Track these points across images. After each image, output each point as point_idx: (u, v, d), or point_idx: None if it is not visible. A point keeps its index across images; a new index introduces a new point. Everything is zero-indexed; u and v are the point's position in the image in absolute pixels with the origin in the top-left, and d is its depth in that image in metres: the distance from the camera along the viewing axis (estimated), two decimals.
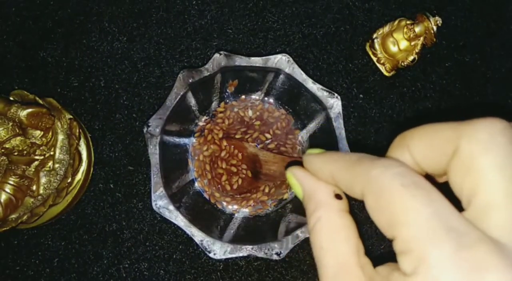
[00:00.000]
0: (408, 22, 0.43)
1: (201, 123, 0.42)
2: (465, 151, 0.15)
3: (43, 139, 0.38)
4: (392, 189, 0.15)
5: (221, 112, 0.42)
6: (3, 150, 0.36)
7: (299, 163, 0.21)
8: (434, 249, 0.13)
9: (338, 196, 0.18)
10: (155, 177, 0.35)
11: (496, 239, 0.13)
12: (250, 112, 0.42)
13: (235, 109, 0.42)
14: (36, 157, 0.39)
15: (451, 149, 0.15)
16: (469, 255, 0.13)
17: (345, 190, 0.18)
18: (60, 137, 0.40)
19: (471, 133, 0.15)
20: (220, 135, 0.41)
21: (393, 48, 0.43)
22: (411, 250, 0.14)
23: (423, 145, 0.16)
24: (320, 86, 0.37)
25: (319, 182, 0.19)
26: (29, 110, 0.37)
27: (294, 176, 0.20)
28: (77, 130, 0.40)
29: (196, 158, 0.41)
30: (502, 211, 0.14)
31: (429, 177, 0.17)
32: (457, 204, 0.15)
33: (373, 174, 0.16)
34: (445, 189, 0.16)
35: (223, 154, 0.40)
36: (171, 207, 0.34)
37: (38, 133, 0.38)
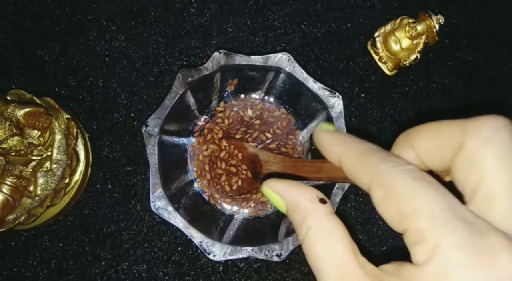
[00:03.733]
0: (410, 20, 0.43)
1: (200, 123, 0.41)
2: (470, 146, 0.15)
3: (41, 139, 0.38)
4: (404, 182, 0.15)
5: (220, 111, 0.41)
6: (0, 150, 0.36)
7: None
8: (448, 237, 0.14)
9: (322, 200, 0.18)
10: (154, 178, 0.34)
11: (501, 229, 0.14)
12: (249, 112, 0.41)
13: (235, 109, 0.41)
14: (34, 157, 0.38)
15: (455, 145, 0.16)
16: (481, 241, 0.14)
17: (349, 175, 0.18)
18: (58, 137, 0.39)
19: (475, 129, 0.15)
20: (220, 135, 0.40)
21: (395, 47, 0.43)
22: (425, 240, 0.14)
23: (428, 142, 0.17)
24: (321, 85, 0.37)
25: (300, 189, 0.18)
26: (27, 109, 0.36)
27: (272, 189, 0.19)
28: (75, 130, 0.39)
29: (195, 157, 0.41)
30: (505, 202, 0.14)
31: (434, 175, 0.17)
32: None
33: (383, 167, 0.16)
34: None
35: (222, 154, 0.40)
36: (170, 208, 0.34)
37: (35, 133, 0.38)
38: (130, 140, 0.43)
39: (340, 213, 0.42)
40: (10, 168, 0.38)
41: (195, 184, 0.40)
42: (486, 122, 0.16)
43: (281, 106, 0.42)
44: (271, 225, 0.38)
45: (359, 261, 0.16)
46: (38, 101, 0.39)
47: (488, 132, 0.15)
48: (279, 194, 0.19)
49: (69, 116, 0.40)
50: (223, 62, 0.36)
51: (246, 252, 0.34)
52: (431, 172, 0.17)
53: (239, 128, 0.41)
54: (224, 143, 0.40)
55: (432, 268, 0.14)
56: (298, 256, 0.41)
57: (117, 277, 0.41)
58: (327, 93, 0.37)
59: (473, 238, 0.14)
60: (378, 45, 0.44)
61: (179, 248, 0.41)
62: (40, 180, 0.39)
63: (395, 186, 0.15)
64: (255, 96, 0.42)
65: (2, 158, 0.38)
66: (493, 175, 0.15)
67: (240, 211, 0.40)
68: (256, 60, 0.37)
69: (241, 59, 0.36)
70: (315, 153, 0.41)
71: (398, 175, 0.15)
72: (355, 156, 0.18)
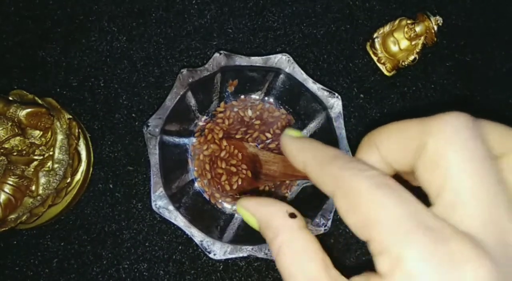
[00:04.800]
0: (408, 21, 0.43)
1: (201, 123, 0.41)
2: (432, 147, 0.15)
3: (42, 139, 0.38)
4: (365, 190, 0.15)
5: (221, 112, 0.41)
6: (2, 150, 0.36)
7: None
8: (410, 247, 0.13)
9: (292, 215, 0.18)
10: (155, 177, 0.35)
11: (467, 233, 0.14)
12: (250, 112, 0.42)
13: (235, 109, 0.42)
14: (35, 157, 0.38)
15: (418, 145, 0.16)
16: (445, 249, 0.13)
17: (314, 183, 0.17)
18: (59, 137, 0.40)
19: (436, 129, 0.15)
20: (220, 135, 0.41)
21: (394, 48, 0.43)
22: (388, 250, 0.14)
23: (391, 142, 0.17)
24: (321, 86, 0.37)
25: (270, 206, 0.18)
26: (28, 110, 0.36)
27: (244, 208, 0.19)
28: (76, 130, 0.40)
29: (196, 157, 0.41)
30: (469, 205, 0.14)
31: (400, 179, 0.16)
32: (425, 202, 0.15)
33: (345, 174, 0.16)
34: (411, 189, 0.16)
35: (222, 154, 0.40)
36: (171, 207, 0.34)
37: (37, 133, 0.38)
38: (131, 140, 0.43)
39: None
40: (12, 168, 0.38)
41: (196, 184, 0.41)
42: (447, 121, 0.15)
43: (281, 107, 0.42)
44: None
45: (331, 275, 0.16)
46: (39, 101, 0.39)
47: (450, 131, 0.15)
48: (251, 212, 0.19)
49: (70, 116, 0.40)
50: (223, 63, 0.36)
51: (246, 251, 0.34)
52: (397, 176, 0.17)
53: (239, 128, 0.41)
54: (225, 143, 0.40)
55: (395, 280, 0.14)
56: None
57: (118, 276, 0.41)
58: (326, 93, 0.37)
59: (436, 246, 0.13)
60: (377, 46, 0.44)
61: (180, 247, 0.41)
62: (42, 180, 0.39)
63: (357, 195, 0.15)
64: (255, 96, 0.42)
65: (4, 158, 0.38)
66: (456, 177, 0.14)
67: None
68: (256, 61, 0.37)
69: (241, 60, 0.37)
70: None
71: (359, 183, 0.15)
72: (318, 164, 0.17)
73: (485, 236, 0.14)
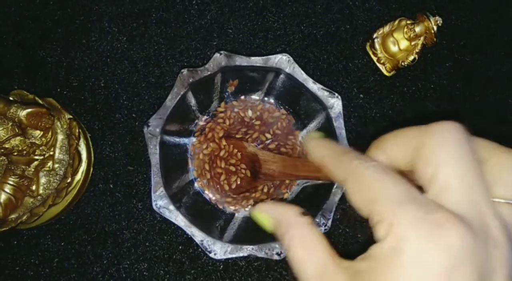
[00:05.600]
0: (408, 21, 0.43)
1: (201, 123, 0.41)
2: (427, 145, 0.18)
3: (43, 139, 0.38)
4: (369, 174, 0.18)
5: (221, 112, 0.42)
6: (2, 150, 0.36)
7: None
8: (401, 214, 0.16)
9: (303, 213, 0.21)
10: (155, 177, 0.35)
11: (452, 210, 0.16)
12: (250, 112, 0.42)
13: (235, 109, 0.42)
14: (36, 157, 0.38)
15: (417, 146, 0.19)
16: (431, 217, 0.16)
17: (329, 173, 0.21)
18: (60, 137, 0.40)
19: (431, 132, 0.18)
20: (221, 134, 0.41)
21: (394, 48, 0.43)
22: (384, 219, 0.17)
23: (394, 145, 0.20)
24: (321, 86, 0.37)
25: (284, 207, 0.22)
26: (29, 110, 0.36)
27: (260, 210, 0.22)
28: (77, 130, 0.40)
29: (196, 157, 0.41)
30: (455, 190, 0.17)
31: (405, 176, 0.19)
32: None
33: (354, 163, 0.19)
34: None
35: (222, 153, 0.40)
36: (171, 207, 0.34)
37: (37, 133, 0.38)
38: (132, 140, 0.43)
39: (340, 212, 0.43)
40: (12, 168, 0.38)
41: (196, 184, 0.41)
42: (442, 126, 0.18)
43: (281, 107, 0.42)
44: None
45: (335, 261, 0.19)
46: (40, 101, 0.39)
47: (443, 134, 0.18)
48: (267, 212, 0.22)
49: (71, 116, 0.40)
50: (223, 63, 0.36)
51: (246, 250, 0.34)
52: (403, 174, 0.19)
53: (240, 128, 0.41)
54: (224, 142, 0.40)
55: (388, 242, 0.16)
56: None
57: (118, 275, 0.41)
58: (326, 93, 0.37)
59: (423, 215, 0.16)
60: (377, 46, 0.44)
61: (180, 247, 0.42)
62: (42, 180, 0.39)
63: (362, 178, 0.19)
64: (255, 97, 0.42)
65: (4, 158, 0.38)
66: (446, 168, 0.17)
67: (240, 210, 0.40)
68: (256, 61, 0.37)
69: (241, 60, 0.37)
70: None
71: (365, 169, 0.19)
72: (333, 156, 0.21)
73: (467, 214, 0.16)
